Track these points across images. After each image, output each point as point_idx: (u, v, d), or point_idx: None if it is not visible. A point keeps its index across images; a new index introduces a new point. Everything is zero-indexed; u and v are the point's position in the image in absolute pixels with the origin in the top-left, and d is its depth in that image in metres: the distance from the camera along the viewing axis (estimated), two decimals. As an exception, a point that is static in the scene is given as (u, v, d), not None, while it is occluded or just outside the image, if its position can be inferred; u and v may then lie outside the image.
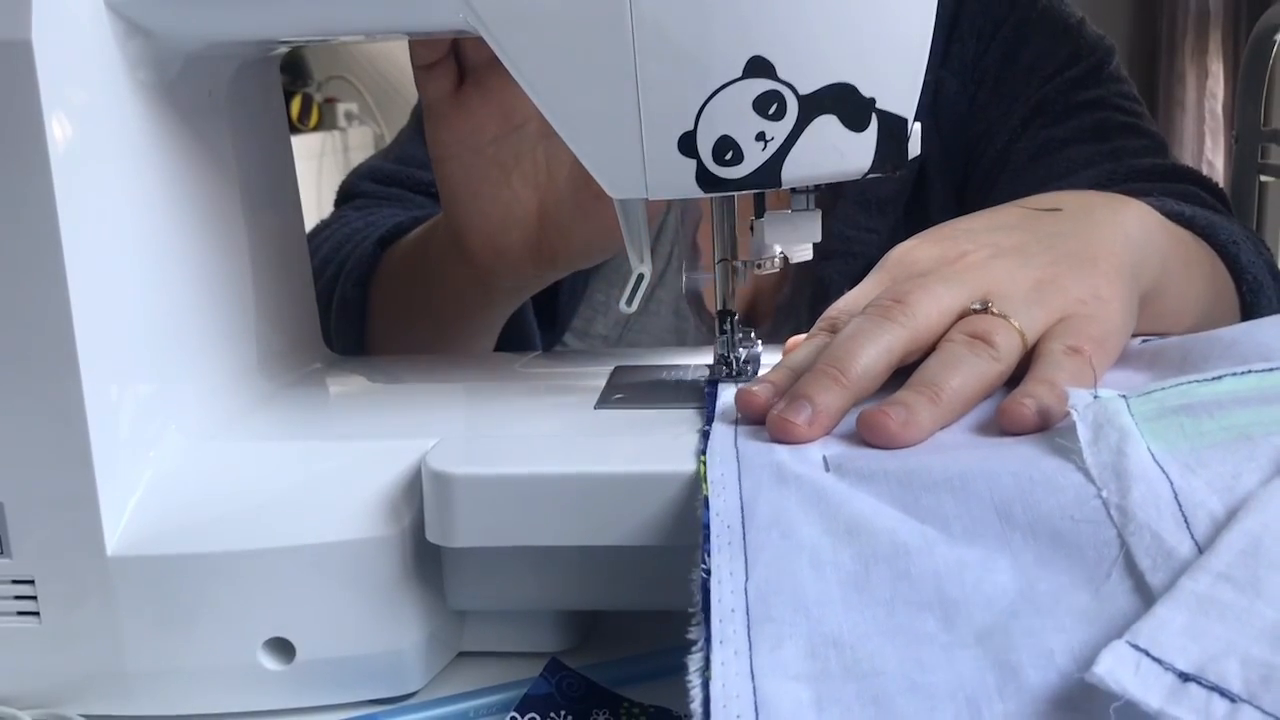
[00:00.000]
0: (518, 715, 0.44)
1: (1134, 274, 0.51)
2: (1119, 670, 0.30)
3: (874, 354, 0.46)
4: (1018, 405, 0.43)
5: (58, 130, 0.43)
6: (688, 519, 0.42)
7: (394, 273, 0.77)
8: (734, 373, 0.54)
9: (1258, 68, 1.35)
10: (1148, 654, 0.30)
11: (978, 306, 0.47)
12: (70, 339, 0.44)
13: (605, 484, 0.43)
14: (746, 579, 0.36)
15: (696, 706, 0.32)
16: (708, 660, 0.33)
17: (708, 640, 0.34)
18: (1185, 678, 0.30)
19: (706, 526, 0.39)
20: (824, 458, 0.42)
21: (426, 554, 0.46)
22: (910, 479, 0.40)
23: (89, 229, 0.44)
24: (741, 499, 0.40)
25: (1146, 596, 0.34)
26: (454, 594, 0.48)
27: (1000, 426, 0.43)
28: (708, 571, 0.37)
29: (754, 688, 0.32)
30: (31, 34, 0.42)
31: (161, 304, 0.49)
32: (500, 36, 0.46)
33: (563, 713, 0.44)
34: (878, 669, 0.33)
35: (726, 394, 0.50)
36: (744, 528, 0.38)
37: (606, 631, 0.51)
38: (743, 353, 0.54)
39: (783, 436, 0.44)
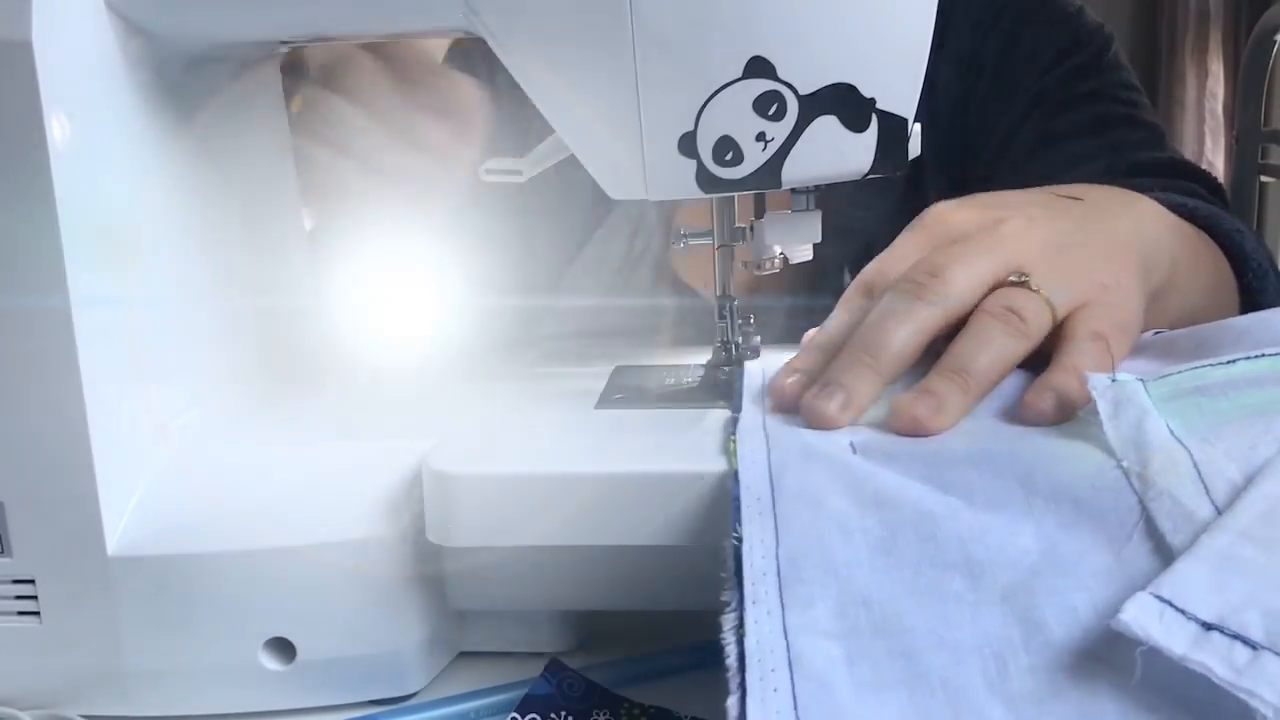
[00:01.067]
0: (518, 716, 0.44)
1: (1145, 273, 0.52)
2: (1144, 618, 0.31)
3: (905, 336, 0.46)
4: (1039, 398, 0.43)
5: (58, 130, 0.43)
6: (689, 518, 0.42)
7: None
8: (733, 360, 0.54)
9: (1258, 68, 1.35)
10: (1171, 604, 0.31)
11: (1013, 279, 0.47)
12: (70, 339, 0.44)
13: (605, 484, 0.43)
14: (777, 545, 0.37)
15: (732, 662, 0.33)
16: (741, 620, 0.34)
17: (740, 601, 0.35)
18: (1208, 627, 0.30)
19: (736, 499, 0.39)
20: (850, 443, 0.43)
21: (426, 554, 0.46)
22: (935, 457, 0.40)
23: (89, 229, 0.44)
24: (770, 474, 0.40)
25: (1167, 557, 0.34)
26: (454, 594, 0.48)
27: (1022, 417, 0.44)
28: (739, 539, 0.37)
29: (787, 644, 0.33)
30: (31, 34, 0.42)
31: (161, 304, 0.49)
32: (500, 37, 0.46)
33: (563, 713, 0.44)
34: (906, 626, 0.33)
35: (753, 374, 0.51)
36: (774, 499, 0.39)
37: (606, 632, 0.51)
38: (741, 339, 0.55)
39: (815, 422, 0.44)
